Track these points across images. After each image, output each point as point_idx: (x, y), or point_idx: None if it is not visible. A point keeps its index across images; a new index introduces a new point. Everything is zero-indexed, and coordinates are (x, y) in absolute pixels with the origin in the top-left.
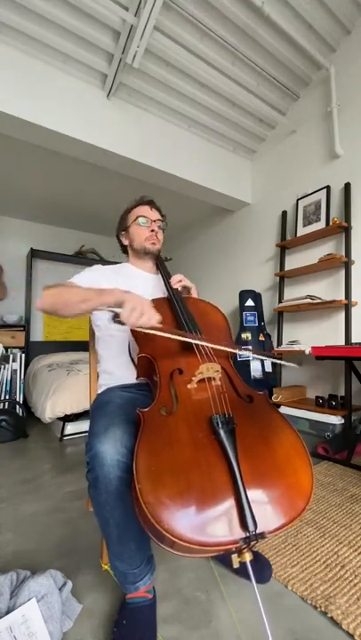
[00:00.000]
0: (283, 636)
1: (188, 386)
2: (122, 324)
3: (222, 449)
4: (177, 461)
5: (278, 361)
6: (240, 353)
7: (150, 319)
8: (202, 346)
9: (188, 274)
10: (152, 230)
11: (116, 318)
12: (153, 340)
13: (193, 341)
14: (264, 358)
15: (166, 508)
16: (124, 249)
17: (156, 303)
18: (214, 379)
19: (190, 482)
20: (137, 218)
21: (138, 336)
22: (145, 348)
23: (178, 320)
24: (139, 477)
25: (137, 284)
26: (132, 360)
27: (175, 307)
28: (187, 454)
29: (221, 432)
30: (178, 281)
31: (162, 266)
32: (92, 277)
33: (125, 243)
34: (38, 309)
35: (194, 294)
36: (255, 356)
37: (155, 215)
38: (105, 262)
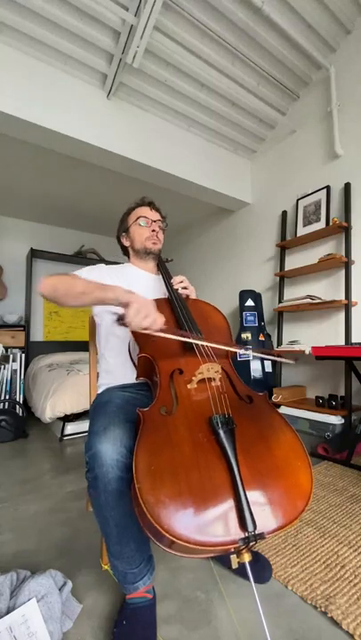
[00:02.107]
0: (283, 636)
1: (188, 386)
2: (125, 325)
3: (222, 449)
4: (176, 461)
5: (278, 359)
6: (240, 352)
7: (155, 322)
8: (202, 346)
9: (188, 274)
10: (153, 230)
11: (120, 320)
12: (153, 340)
13: (193, 341)
14: (265, 357)
15: (165, 507)
16: (125, 250)
17: (157, 303)
18: (214, 379)
19: (190, 481)
20: (137, 218)
21: (138, 336)
22: (145, 349)
23: (178, 320)
24: (138, 477)
25: (139, 284)
26: (132, 360)
27: (176, 307)
28: (186, 454)
29: (221, 432)
30: (179, 282)
31: (163, 267)
32: (96, 275)
33: (126, 244)
34: (40, 293)
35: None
36: (255, 354)
37: (155, 216)
38: (105, 262)
